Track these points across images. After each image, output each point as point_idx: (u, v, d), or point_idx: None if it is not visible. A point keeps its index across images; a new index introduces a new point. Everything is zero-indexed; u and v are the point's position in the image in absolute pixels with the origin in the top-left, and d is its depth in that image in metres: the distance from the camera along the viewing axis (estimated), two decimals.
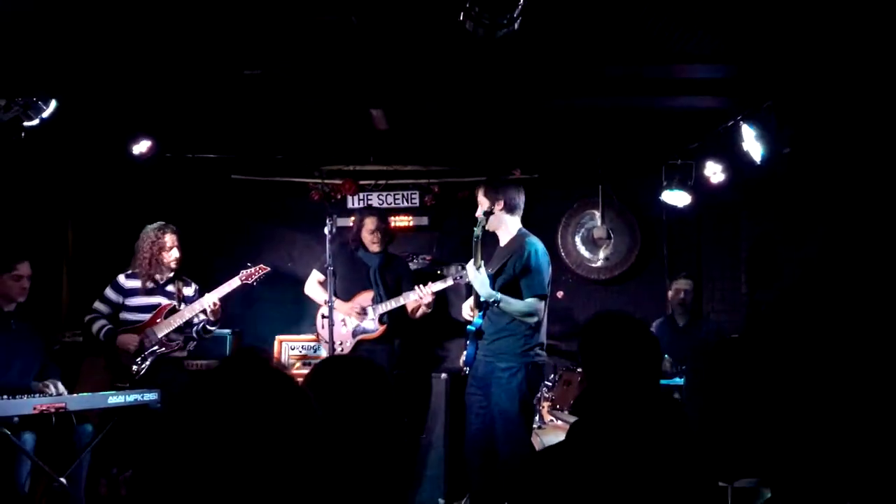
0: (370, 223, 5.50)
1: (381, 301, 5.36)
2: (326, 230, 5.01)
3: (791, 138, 4.68)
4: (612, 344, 2.26)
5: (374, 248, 5.49)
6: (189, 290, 5.15)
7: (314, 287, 5.64)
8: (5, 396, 4.06)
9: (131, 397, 4.47)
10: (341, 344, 5.33)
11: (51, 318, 5.35)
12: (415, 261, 6.24)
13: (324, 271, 5.23)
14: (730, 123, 5.17)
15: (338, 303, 5.28)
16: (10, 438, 4.07)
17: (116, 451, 4.91)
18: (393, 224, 6.39)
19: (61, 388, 4.45)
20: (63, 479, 4.26)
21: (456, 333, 5.80)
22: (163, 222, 5.08)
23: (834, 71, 4.32)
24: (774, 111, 4.65)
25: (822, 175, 4.98)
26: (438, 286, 5.24)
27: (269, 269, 5.18)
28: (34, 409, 4.07)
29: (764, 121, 4.73)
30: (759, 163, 4.85)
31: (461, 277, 5.25)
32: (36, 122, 4.60)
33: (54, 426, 4.33)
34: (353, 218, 5.76)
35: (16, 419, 4.03)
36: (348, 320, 5.38)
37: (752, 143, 4.83)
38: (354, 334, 5.39)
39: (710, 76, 4.70)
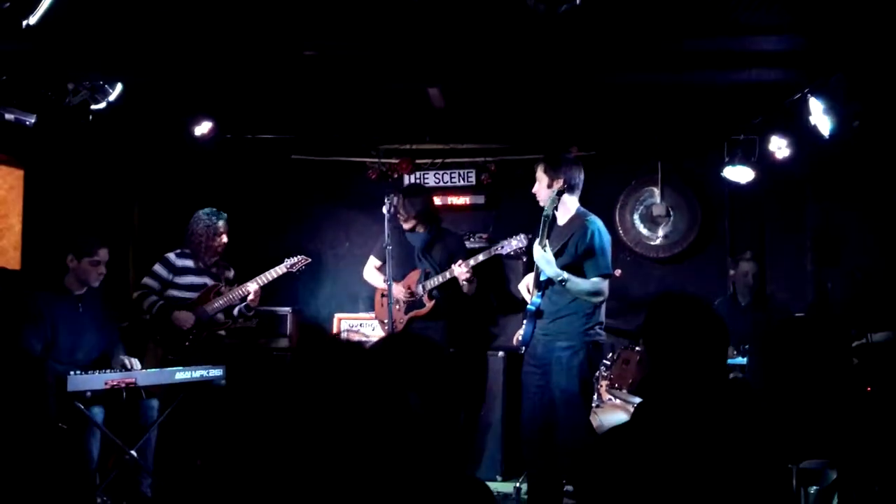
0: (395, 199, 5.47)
1: (428, 278, 5.36)
2: (384, 209, 5.04)
3: (861, 112, 4.52)
4: (678, 326, 2.23)
5: (405, 225, 5.47)
6: (230, 274, 5.40)
7: (371, 272, 5.68)
8: (78, 372, 4.21)
9: (197, 373, 4.60)
10: (395, 322, 5.35)
11: (118, 297, 5.50)
12: (471, 239, 6.20)
13: (380, 255, 5.25)
14: (796, 97, 5.00)
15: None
16: (84, 412, 4.23)
17: (180, 424, 5.04)
18: (449, 202, 6.40)
19: (136, 363, 4.62)
20: (133, 452, 4.42)
21: (510, 310, 5.75)
22: (215, 209, 5.30)
23: None
24: (844, 84, 4.49)
25: (893, 149, 4.81)
26: (472, 262, 5.13)
27: (310, 259, 5.42)
28: (105, 384, 4.23)
29: (833, 94, 4.57)
30: (826, 137, 4.69)
31: (501, 248, 5.06)
32: (103, 105, 4.71)
33: (124, 401, 4.48)
34: None
35: (88, 394, 4.20)
36: (401, 300, 5.41)
37: (819, 117, 4.66)
38: (406, 312, 5.41)
39: (777, 48, 4.55)
